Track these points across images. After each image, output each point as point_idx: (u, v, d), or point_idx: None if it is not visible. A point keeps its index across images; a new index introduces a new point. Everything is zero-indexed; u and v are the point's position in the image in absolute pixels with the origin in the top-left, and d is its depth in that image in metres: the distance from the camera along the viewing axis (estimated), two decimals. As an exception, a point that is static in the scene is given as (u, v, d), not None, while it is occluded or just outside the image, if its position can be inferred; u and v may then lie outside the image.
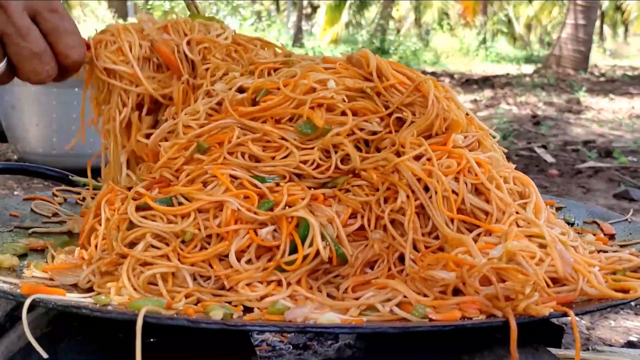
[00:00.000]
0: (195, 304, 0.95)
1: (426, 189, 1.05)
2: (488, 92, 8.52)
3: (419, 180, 1.04)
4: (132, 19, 10.86)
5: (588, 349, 1.65)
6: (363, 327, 0.87)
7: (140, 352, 0.80)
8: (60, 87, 3.19)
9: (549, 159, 4.48)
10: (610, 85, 9.76)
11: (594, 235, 1.26)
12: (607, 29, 19.37)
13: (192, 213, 1.02)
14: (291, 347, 1.76)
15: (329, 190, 1.08)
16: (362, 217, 1.05)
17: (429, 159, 1.07)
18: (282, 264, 0.98)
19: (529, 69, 11.86)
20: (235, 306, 0.94)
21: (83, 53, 1.15)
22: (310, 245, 0.99)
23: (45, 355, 0.87)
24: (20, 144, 3.32)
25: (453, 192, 1.04)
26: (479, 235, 1.01)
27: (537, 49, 18.66)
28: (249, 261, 1.00)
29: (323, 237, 0.99)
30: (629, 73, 11.79)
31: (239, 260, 0.99)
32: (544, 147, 4.90)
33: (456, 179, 1.05)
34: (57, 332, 1.09)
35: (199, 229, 1.00)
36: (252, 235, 1.00)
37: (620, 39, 19.67)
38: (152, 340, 0.90)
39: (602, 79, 10.57)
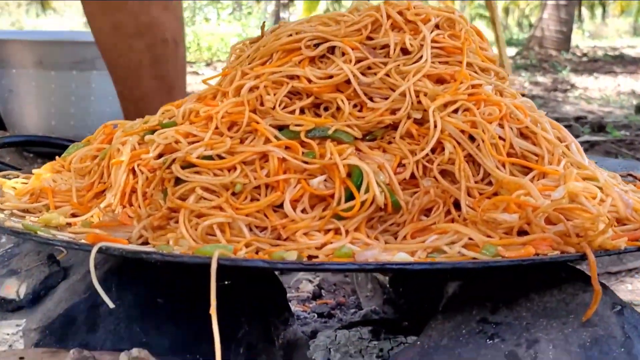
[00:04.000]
0: (256, 254, 0.94)
1: (471, 138, 1.04)
2: (473, 74, 8.51)
3: (462, 132, 1.04)
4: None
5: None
6: (443, 263, 0.86)
7: (215, 296, 0.78)
8: (59, 70, 3.16)
9: (543, 134, 4.47)
10: (593, 64, 9.80)
11: (634, 185, 1.26)
12: (584, 11, 19.43)
13: (237, 166, 1.01)
14: (315, 316, 1.76)
15: (371, 143, 1.07)
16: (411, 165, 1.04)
17: (466, 110, 1.06)
18: (340, 212, 0.97)
19: (509, 51, 11.88)
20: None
21: None
22: (366, 191, 0.97)
23: (111, 304, 0.85)
24: (18, 128, 3.27)
25: (500, 138, 1.03)
26: (532, 178, 1.01)
27: (515, 32, 18.70)
28: (303, 211, 0.99)
29: (377, 184, 0.98)
30: (610, 53, 11.84)
31: (293, 210, 0.98)
32: (537, 123, 4.89)
33: (500, 125, 1.05)
34: (98, 296, 1.07)
35: (249, 180, 0.99)
36: (304, 185, 0.99)
37: (598, 20, 19.74)
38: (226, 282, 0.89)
39: (584, 59, 10.60)
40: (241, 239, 0.94)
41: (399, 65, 1.10)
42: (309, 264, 0.85)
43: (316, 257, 0.93)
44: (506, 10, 20.45)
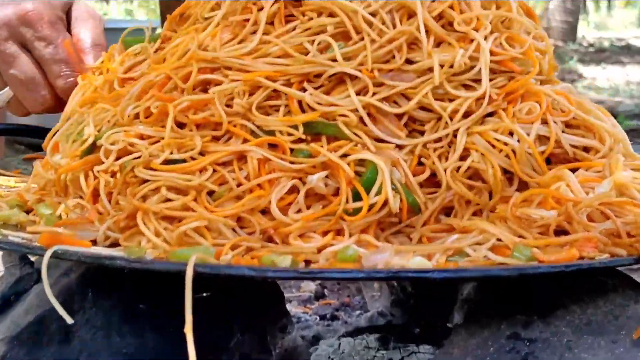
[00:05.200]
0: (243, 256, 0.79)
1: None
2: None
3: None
4: (113, 3, 10.64)
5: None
6: (469, 271, 0.71)
7: (190, 311, 0.64)
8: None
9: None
10: (600, 55, 9.68)
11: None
12: (589, 2, 19.30)
13: (209, 167, 0.85)
14: (318, 318, 1.63)
15: None
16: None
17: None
18: (344, 215, 0.81)
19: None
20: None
21: (70, 82, 1.10)
22: (378, 193, 0.81)
23: (69, 320, 0.71)
24: (8, 120, 3.15)
25: (543, 137, 0.87)
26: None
27: (520, 24, 18.54)
28: (298, 211, 0.83)
29: (392, 183, 0.82)
30: (617, 44, 11.69)
31: (286, 212, 0.83)
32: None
33: (544, 121, 0.87)
34: (73, 303, 0.95)
35: (226, 182, 0.84)
36: (298, 184, 0.84)
37: (603, 11, 19.59)
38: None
39: (590, 49, 10.48)
40: (226, 240, 0.80)
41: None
42: (305, 272, 0.71)
43: (315, 262, 0.79)
44: (510, 1, 20.29)
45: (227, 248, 0.78)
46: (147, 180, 0.85)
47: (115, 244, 0.85)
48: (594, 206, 0.74)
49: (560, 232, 0.77)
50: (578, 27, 11.35)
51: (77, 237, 0.83)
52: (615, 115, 4.16)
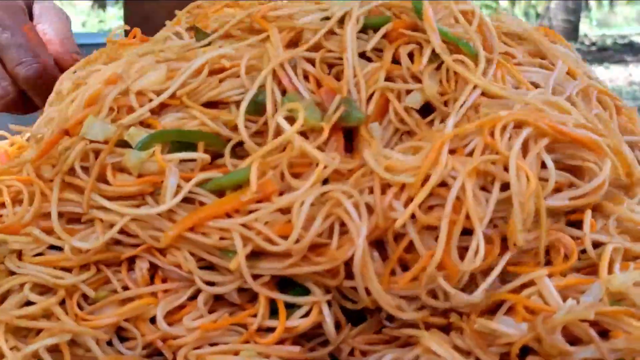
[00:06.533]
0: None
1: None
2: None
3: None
4: (110, 9, 10.44)
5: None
6: None
7: None
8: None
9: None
10: (603, 54, 9.48)
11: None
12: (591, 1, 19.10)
13: (91, 266, 0.68)
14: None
15: None
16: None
17: None
18: (254, 336, 0.64)
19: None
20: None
21: (33, 70, 0.97)
22: (307, 314, 0.64)
23: None
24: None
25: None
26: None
27: (522, 22, 18.39)
28: (200, 318, 0.65)
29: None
30: (619, 41, 11.48)
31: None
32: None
33: None
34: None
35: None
36: (203, 286, 0.65)
37: (605, 9, 19.41)
38: None
39: (593, 48, 10.28)
40: (92, 361, 0.61)
41: None
42: None
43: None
44: (512, 1, 20.10)
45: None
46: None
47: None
48: (573, 322, 0.55)
49: (527, 349, 0.59)
50: (580, 25, 11.17)
51: None
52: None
